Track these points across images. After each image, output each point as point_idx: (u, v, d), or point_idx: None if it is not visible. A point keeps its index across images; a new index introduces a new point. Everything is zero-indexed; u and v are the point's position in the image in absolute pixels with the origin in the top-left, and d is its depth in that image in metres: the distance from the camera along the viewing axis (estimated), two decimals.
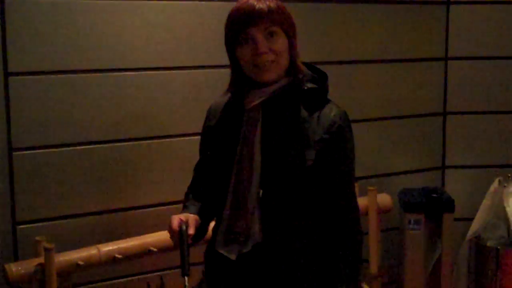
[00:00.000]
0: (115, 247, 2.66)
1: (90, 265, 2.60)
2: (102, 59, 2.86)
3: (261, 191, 2.03)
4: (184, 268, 1.98)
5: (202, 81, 3.04)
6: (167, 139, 3.02)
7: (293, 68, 2.06)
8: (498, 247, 3.48)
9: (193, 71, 3.04)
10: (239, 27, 1.99)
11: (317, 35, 3.35)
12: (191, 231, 2.02)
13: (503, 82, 3.74)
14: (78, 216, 2.87)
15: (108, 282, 2.92)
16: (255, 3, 1.98)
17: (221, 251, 2.06)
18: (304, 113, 2.04)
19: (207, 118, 2.21)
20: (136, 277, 2.95)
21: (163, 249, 2.73)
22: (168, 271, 2.96)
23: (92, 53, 2.83)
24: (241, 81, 2.09)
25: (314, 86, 2.07)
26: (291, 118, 2.04)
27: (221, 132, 2.15)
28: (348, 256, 2.06)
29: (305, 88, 2.05)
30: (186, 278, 1.97)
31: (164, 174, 3.02)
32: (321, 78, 2.10)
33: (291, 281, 2.05)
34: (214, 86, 2.86)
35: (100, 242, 2.72)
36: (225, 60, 2.07)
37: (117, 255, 2.64)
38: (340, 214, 2.07)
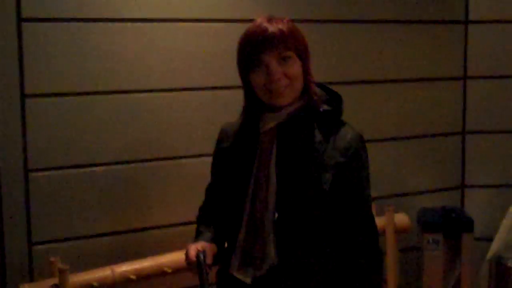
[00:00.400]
0: (129, 268, 2.67)
1: (104, 286, 2.60)
2: (116, 80, 2.88)
3: (276, 214, 2.00)
4: None
5: (214, 102, 3.05)
6: (180, 160, 3.03)
7: (307, 90, 2.03)
8: None
9: (205, 92, 3.05)
10: (252, 52, 1.96)
11: (335, 54, 3.34)
12: (209, 260, 2.02)
13: None
14: (93, 237, 2.88)
15: None
16: (268, 26, 1.95)
17: (236, 275, 2.04)
18: (319, 136, 2.01)
19: (220, 140, 2.18)
20: None
21: (177, 270, 2.72)
22: None
23: (107, 75, 2.86)
24: (255, 105, 2.06)
25: (329, 108, 2.04)
26: (306, 141, 2.01)
27: (235, 155, 2.11)
28: (369, 276, 2.05)
29: (321, 110, 2.03)
30: None
31: (177, 195, 3.03)
32: (335, 100, 2.07)
33: None
34: (227, 107, 2.87)
35: (114, 262, 2.72)
36: (238, 81, 2.06)
37: (131, 276, 2.64)
38: (359, 236, 2.04)
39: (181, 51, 2.99)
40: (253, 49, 1.96)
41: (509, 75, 3.69)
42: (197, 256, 2.00)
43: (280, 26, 1.96)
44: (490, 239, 3.56)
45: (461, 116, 3.72)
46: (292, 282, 2.02)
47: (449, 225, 3.44)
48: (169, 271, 2.71)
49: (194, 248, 2.03)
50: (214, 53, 3.02)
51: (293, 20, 2.01)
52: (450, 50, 3.66)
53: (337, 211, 2.02)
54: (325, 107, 2.04)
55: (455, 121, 3.72)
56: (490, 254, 3.53)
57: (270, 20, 1.97)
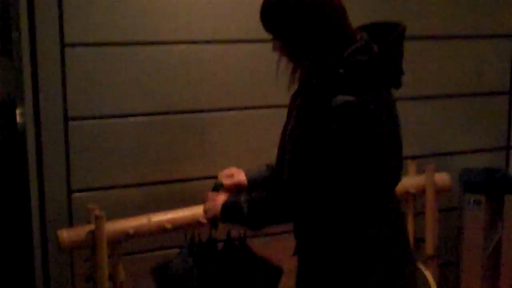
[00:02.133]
0: (165, 217, 2.68)
1: (140, 234, 2.64)
2: (156, 31, 2.88)
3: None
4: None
5: (256, 55, 3.03)
6: (222, 113, 3.03)
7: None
8: None
9: (247, 44, 3.02)
10: None
11: (380, 10, 3.27)
12: (226, 182, 2.20)
13: None
14: (131, 186, 2.92)
15: (157, 252, 2.96)
16: None
17: None
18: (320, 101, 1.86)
19: None
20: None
21: None
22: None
23: (150, 25, 2.86)
24: None
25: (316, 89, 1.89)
26: (305, 109, 1.93)
27: None
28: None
29: (313, 81, 1.91)
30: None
31: (218, 147, 3.04)
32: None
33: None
34: (270, 60, 2.84)
35: (151, 212, 2.74)
36: None
37: (166, 225, 2.66)
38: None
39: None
40: None
41: None
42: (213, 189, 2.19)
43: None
44: None
45: (509, 75, 3.63)
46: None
47: (492, 186, 3.38)
48: (205, 221, 2.72)
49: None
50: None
51: None
52: (499, 5, 3.55)
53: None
54: (338, 70, 1.84)
55: (503, 80, 3.63)
56: None
57: None
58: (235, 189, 2.20)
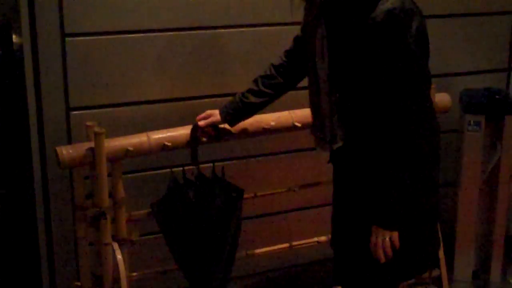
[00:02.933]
0: (165, 135, 2.67)
1: (140, 151, 2.62)
2: None
3: (337, 95, 2.09)
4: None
5: None
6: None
7: None
8: None
9: None
10: None
11: None
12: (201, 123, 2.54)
13: None
14: (130, 104, 2.90)
15: (156, 172, 2.97)
16: None
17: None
18: (357, 14, 1.96)
19: None
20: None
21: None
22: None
23: None
24: None
25: None
26: (345, 21, 1.99)
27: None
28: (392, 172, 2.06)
29: None
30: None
31: (226, 65, 3.03)
32: None
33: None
34: None
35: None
36: None
37: (166, 143, 2.64)
38: (387, 129, 2.03)
39: None
40: None
41: None
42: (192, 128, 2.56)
43: None
44: None
45: None
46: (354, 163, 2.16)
47: (492, 106, 3.36)
48: (204, 140, 2.71)
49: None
50: None
51: None
52: None
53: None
54: None
55: (506, 1, 3.57)
56: None
57: None
58: (212, 128, 2.56)
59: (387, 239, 2.07)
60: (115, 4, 2.77)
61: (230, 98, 2.56)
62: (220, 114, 2.52)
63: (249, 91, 2.45)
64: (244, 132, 2.72)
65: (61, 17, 2.70)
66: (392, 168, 2.02)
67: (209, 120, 2.54)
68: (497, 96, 3.41)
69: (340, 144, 2.13)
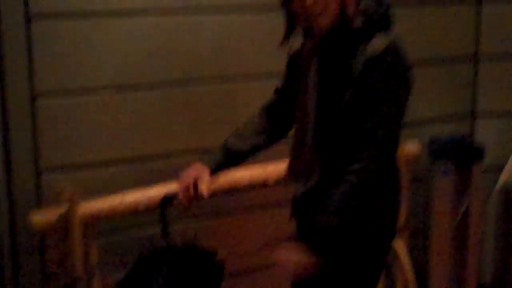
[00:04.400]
0: (139, 196, 2.61)
1: (115, 213, 2.57)
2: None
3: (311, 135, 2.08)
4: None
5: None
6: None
7: (344, 8, 1.97)
8: None
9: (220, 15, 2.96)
10: None
11: None
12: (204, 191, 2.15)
13: None
14: (104, 165, 2.83)
15: (132, 231, 2.91)
16: None
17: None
18: (349, 52, 1.96)
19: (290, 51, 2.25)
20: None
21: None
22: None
23: None
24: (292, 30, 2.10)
25: (362, 25, 1.96)
26: (338, 58, 1.98)
27: (291, 75, 2.23)
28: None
29: (354, 27, 1.96)
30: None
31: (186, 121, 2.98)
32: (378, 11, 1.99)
33: None
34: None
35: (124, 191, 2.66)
36: None
37: (141, 205, 2.59)
38: (354, 167, 1.96)
39: None
40: None
41: None
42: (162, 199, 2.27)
43: None
44: (500, 170, 3.51)
45: (474, 40, 3.62)
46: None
47: (460, 153, 3.39)
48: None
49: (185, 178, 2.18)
50: None
51: None
52: None
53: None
54: (359, 23, 1.96)
55: (468, 46, 3.62)
56: (499, 184, 3.50)
57: None
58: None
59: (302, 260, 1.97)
60: (83, 63, 2.73)
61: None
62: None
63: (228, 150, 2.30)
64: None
65: (31, 75, 2.64)
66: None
67: (206, 184, 2.18)
68: (464, 143, 3.44)
69: (315, 179, 2.07)
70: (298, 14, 2.00)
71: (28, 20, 2.61)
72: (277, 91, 2.35)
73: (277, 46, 2.11)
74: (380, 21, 1.98)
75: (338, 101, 1.96)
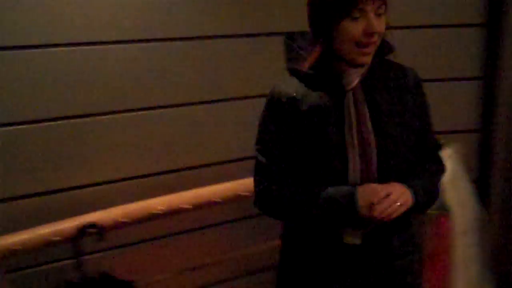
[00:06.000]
0: (51, 229, 2.59)
1: (26, 249, 2.53)
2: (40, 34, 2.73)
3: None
4: None
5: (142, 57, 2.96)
6: (101, 117, 2.92)
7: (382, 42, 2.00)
8: None
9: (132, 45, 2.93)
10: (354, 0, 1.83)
11: None
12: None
13: None
14: (13, 199, 2.77)
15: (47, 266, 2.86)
16: None
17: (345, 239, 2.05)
18: (395, 82, 2.06)
19: (285, 109, 2.02)
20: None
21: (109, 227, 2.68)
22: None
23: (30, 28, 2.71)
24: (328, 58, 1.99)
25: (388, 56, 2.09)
26: (389, 91, 2.04)
27: (319, 116, 2.00)
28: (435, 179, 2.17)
29: (387, 59, 2.09)
30: None
31: (96, 154, 2.94)
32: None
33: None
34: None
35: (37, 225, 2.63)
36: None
37: (54, 238, 2.56)
38: (435, 154, 2.19)
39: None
40: None
41: None
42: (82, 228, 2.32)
43: None
44: None
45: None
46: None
47: None
48: (95, 231, 2.64)
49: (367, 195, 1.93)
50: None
51: None
52: None
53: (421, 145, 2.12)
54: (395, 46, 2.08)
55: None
56: None
57: None
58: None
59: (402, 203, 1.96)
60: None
61: None
62: None
63: None
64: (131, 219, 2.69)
65: None
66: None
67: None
68: None
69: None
70: (349, 39, 1.88)
71: None
72: (284, 169, 2.09)
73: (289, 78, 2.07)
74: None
75: (409, 130, 2.05)
